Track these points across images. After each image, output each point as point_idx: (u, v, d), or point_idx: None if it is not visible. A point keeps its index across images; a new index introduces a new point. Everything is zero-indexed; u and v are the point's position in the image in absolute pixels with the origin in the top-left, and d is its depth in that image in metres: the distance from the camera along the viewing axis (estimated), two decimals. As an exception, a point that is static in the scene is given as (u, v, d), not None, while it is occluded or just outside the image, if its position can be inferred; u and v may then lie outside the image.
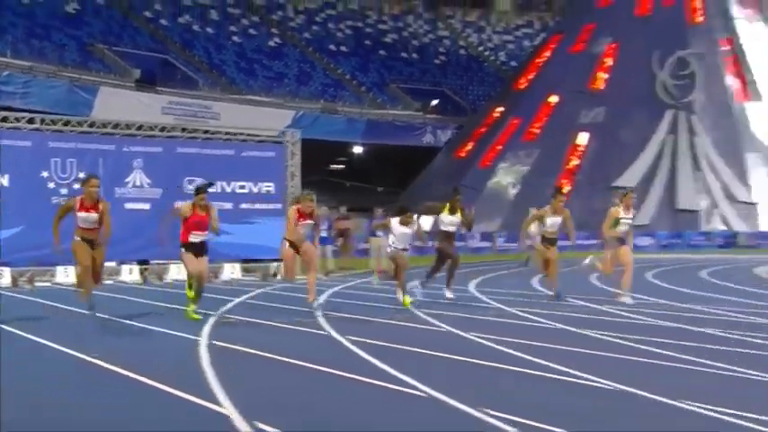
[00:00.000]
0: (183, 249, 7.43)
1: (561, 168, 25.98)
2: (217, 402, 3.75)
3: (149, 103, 22.85)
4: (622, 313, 7.86)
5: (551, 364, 4.70)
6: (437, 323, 6.84)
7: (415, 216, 9.05)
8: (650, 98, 26.41)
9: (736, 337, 6.07)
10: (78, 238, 7.15)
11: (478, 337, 5.86)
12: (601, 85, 26.78)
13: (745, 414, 3.57)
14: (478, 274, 12.81)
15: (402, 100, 29.68)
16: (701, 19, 27.04)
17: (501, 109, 27.52)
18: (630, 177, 25.78)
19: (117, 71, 24.93)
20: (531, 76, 27.79)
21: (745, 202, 25.91)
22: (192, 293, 7.45)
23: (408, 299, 8.58)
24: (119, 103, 22.33)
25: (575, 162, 26.11)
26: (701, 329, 6.53)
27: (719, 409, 3.63)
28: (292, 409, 3.73)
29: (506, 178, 26.39)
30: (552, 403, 3.89)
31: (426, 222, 11.71)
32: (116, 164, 10.77)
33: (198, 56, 28.26)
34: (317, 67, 30.04)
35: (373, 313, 7.79)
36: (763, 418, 3.52)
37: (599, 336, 6.18)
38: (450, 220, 9.32)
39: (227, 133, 11.54)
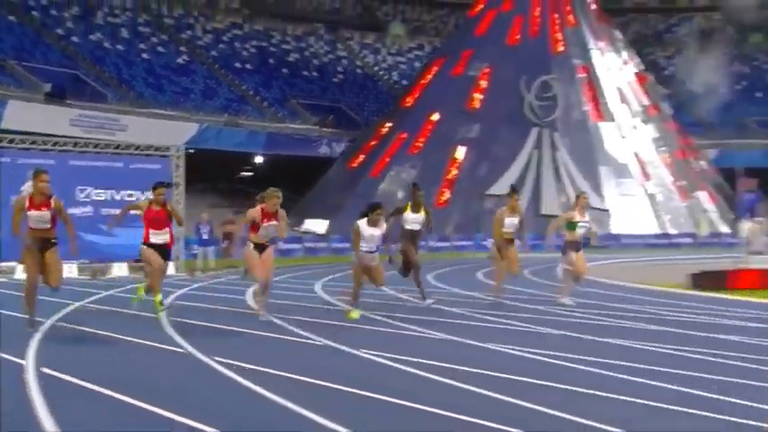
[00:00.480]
0: (143, 246, 7.36)
1: (442, 179, 28.91)
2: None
3: (57, 116, 24.36)
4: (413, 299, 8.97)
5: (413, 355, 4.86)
6: (311, 336, 6.22)
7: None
8: (519, 117, 29.79)
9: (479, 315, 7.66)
10: (28, 242, 6.53)
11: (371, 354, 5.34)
12: (476, 105, 29.95)
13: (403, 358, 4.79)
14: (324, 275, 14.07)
15: (301, 115, 32.12)
16: (561, 49, 30.65)
17: (389, 124, 30.29)
18: (501, 187, 28.94)
19: (28, 86, 26.27)
20: (416, 96, 30.71)
21: (599, 209, 29.53)
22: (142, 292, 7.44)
23: (356, 313, 7.72)
24: (27, 115, 23.75)
25: (453, 173, 29.09)
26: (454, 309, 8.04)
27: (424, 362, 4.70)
28: None
29: (393, 186, 29.16)
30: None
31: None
32: (10, 175, 12.27)
33: (108, 71, 29.84)
34: (222, 84, 32.11)
35: (228, 321, 7.21)
36: (424, 361, 4.82)
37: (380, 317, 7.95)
38: (413, 218, 8.86)
39: (116, 147, 13.63)
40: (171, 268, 13.86)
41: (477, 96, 29.99)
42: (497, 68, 30.00)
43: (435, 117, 29.68)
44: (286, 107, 32.52)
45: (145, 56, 31.52)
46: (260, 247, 7.34)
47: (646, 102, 31.89)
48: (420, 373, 4.63)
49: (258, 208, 7.26)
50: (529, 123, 29.77)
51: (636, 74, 32.45)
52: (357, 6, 41.92)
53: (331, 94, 34.64)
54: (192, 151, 16.50)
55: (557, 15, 30.89)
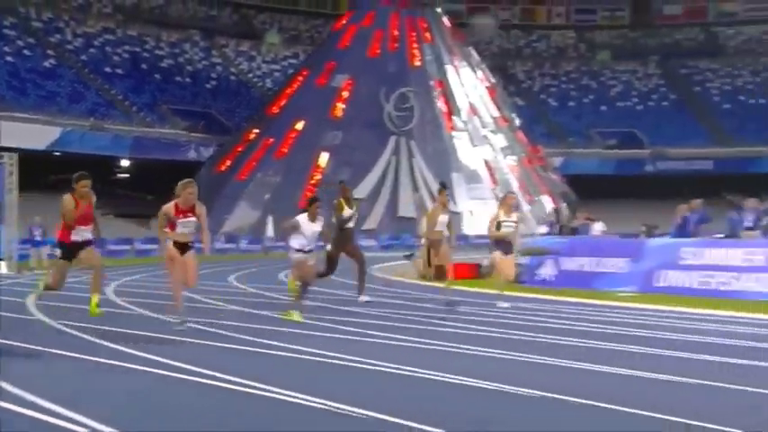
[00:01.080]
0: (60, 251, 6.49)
1: (306, 182, 30.50)
2: None
3: None
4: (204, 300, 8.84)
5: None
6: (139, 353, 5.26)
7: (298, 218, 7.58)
8: (378, 126, 31.80)
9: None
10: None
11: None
12: (339, 114, 31.73)
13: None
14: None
15: (170, 120, 32.84)
16: (418, 63, 32.95)
17: (257, 131, 31.57)
18: (362, 191, 30.88)
19: None
20: (282, 104, 32.13)
21: (452, 212, 32.01)
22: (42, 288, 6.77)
23: (298, 315, 7.26)
24: None
25: (317, 177, 30.74)
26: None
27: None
28: None
29: (259, 190, 30.46)
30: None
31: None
32: None
33: (-31, 74, 29.51)
34: (90, 88, 32.31)
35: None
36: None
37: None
38: (350, 214, 8.57)
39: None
40: (3, 267, 14.72)
41: (340, 106, 31.76)
42: (359, 80, 31.89)
43: (300, 125, 31.20)
44: (156, 112, 33.13)
45: (9, 58, 31.29)
46: (181, 247, 6.58)
47: (496, 113, 34.69)
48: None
49: (172, 203, 6.49)
50: (388, 132, 31.83)
51: (487, 87, 35.19)
52: (234, 15, 42.88)
53: (203, 99, 35.50)
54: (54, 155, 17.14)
55: (414, 32, 33.13)
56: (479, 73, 35.18)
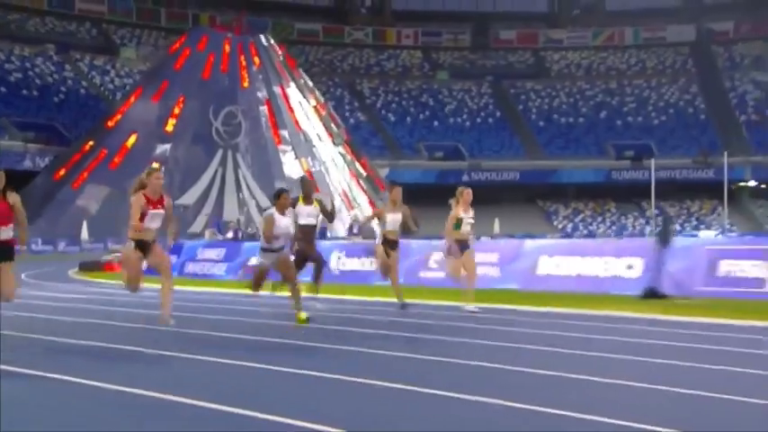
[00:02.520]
0: None
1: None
2: None
3: None
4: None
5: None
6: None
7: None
8: (208, 139, 35.42)
9: None
10: None
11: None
12: (170, 129, 35.17)
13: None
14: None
15: (9, 131, 35.47)
16: (247, 84, 36.76)
17: (92, 142, 34.63)
18: (189, 198, 34.49)
19: None
20: (118, 117, 35.31)
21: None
22: None
23: (304, 314, 6.93)
24: None
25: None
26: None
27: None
28: None
29: (91, 198, 33.56)
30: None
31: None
32: None
33: None
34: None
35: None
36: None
37: None
38: (308, 212, 8.03)
39: None
40: None
41: (172, 121, 35.19)
42: (190, 98, 35.37)
43: (133, 138, 34.45)
44: (-4, 124, 35.71)
45: None
46: (143, 245, 6.16)
47: (321, 129, 38.86)
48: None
49: (140, 195, 6.04)
50: (216, 146, 35.49)
51: (314, 106, 39.31)
52: (93, 29, 45.47)
53: (47, 112, 38.11)
54: None
55: (244, 57, 36.89)
56: (307, 93, 39.22)
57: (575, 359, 5.12)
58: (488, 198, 40.72)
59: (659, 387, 4.07)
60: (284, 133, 37.12)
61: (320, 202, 8.41)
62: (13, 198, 5.64)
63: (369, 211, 40.11)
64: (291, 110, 37.70)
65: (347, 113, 47.26)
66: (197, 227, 33.84)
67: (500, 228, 36.56)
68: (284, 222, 6.97)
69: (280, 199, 7.04)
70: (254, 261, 9.74)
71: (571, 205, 46.93)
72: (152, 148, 34.30)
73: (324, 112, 39.79)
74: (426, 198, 44.32)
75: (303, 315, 6.96)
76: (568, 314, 8.08)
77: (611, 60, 53.00)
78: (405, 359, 5.14)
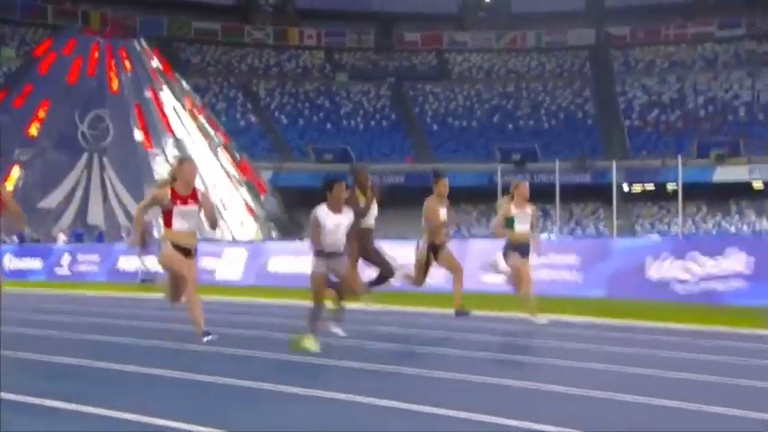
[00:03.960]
0: None
1: None
2: None
3: None
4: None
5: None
6: None
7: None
8: (73, 143, 36.53)
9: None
10: None
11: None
12: (34, 133, 36.21)
13: None
14: None
15: None
16: (116, 88, 37.91)
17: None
18: (52, 201, 35.64)
19: None
20: (-20, 121, 36.28)
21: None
22: None
23: (312, 342, 5.98)
24: None
25: (9, 188, 35.08)
26: None
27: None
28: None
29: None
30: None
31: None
32: None
33: None
34: None
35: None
36: None
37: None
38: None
39: None
40: None
41: (37, 125, 36.23)
42: (56, 102, 36.43)
43: (-6, 141, 35.43)
44: None
45: None
46: (183, 252, 5.74)
47: (196, 133, 40.14)
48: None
49: (166, 188, 5.69)
50: (81, 149, 36.63)
51: (190, 110, 40.55)
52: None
53: None
54: None
55: (113, 61, 38.01)
56: (182, 97, 40.45)
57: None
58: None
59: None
60: (154, 136, 38.34)
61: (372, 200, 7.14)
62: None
63: (242, 213, 41.64)
64: (164, 114, 38.92)
65: (239, 115, 48.60)
66: (56, 231, 35.08)
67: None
68: (335, 221, 5.91)
69: (334, 191, 5.87)
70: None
71: (461, 207, 48.76)
72: (14, 151, 35.33)
73: (200, 116, 41.06)
74: (313, 201, 46.19)
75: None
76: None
77: (513, 63, 54.94)
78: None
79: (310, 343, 5.94)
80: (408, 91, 53.02)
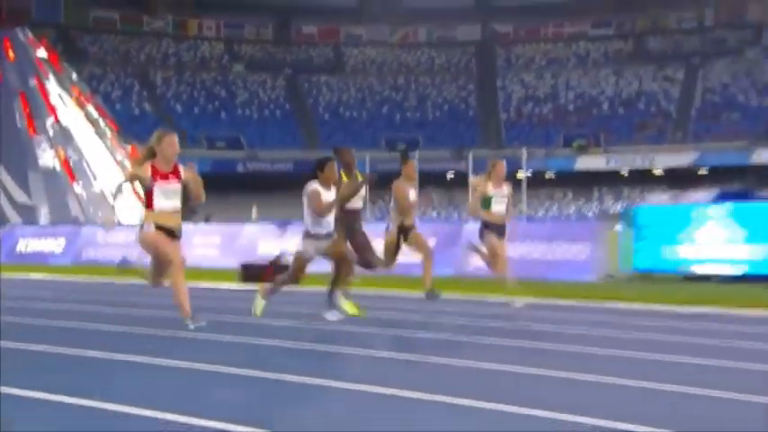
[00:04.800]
0: None
1: None
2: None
3: None
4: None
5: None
6: None
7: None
8: None
9: None
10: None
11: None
12: None
13: None
14: None
15: None
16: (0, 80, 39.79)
17: None
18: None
19: None
20: None
21: (26, 205, 39.36)
22: None
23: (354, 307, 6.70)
24: None
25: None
26: None
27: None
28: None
29: None
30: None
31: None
32: None
33: None
34: None
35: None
36: None
37: None
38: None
39: None
40: None
41: None
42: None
43: None
44: None
45: None
46: (167, 233, 5.66)
47: (83, 120, 42.27)
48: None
49: (147, 163, 5.62)
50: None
51: (77, 98, 42.62)
52: None
53: None
54: None
55: (-2, 45, 39.94)
56: (69, 85, 42.48)
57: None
58: (262, 186, 45.48)
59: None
60: (39, 124, 40.32)
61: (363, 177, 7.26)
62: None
63: (130, 198, 43.95)
64: (48, 102, 40.90)
65: (134, 104, 50.65)
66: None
67: (259, 213, 41.15)
68: (328, 198, 6.33)
69: (324, 170, 6.28)
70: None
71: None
72: None
73: (88, 104, 43.12)
74: (204, 184, 48.82)
75: (354, 308, 6.73)
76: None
77: (404, 58, 58.44)
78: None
79: (261, 307, 6.54)
80: (304, 83, 55.95)
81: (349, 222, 7.26)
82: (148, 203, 5.81)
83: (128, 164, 46.44)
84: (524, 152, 24.86)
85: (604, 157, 48.10)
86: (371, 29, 59.28)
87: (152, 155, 5.79)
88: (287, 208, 46.46)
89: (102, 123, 43.65)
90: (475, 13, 59.00)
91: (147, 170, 5.70)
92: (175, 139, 5.90)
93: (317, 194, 6.39)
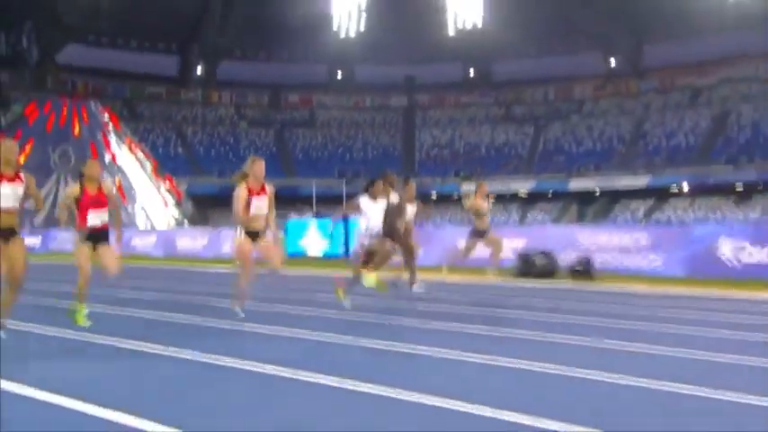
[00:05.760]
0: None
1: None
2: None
3: None
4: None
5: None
6: None
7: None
8: (47, 166, 42.52)
9: None
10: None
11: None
12: (23, 160, 42.08)
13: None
14: None
15: None
16: (77, 132, 44.24)
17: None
18: (32, 204, 41.50)
19: None
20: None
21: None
22: None
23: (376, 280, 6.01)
24: None
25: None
26: None
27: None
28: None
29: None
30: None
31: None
32: None
33: None
34: None
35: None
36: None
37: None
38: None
39: None
40: None
41: (24, 156, 42.11)
42: (37, 141, 42.47)
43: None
44: None
45: None
46: (253, 235, 5.42)
47: (133, 159, 46.65)
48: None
49: (242, 186, 5.43)
50: (52, 170, 42.69)
51: (129, 145, 46.95)
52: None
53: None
54: None
55: (76, 116, 44.28)
56: (123, 137, 46.94)
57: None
58: None
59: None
60: (102, 163, 44.65)
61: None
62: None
63: (162, 210, 48.25)
64: (109, 148, 45.33)
65: (171, 149, 55.02)
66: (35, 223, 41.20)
67: None
68: (376, 206, 6.20)
69: (374, 186, 6.30)
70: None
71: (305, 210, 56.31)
72: None
73: (137, 149, 47.55)
74: (216, 203, 53.48)
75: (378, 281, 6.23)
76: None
77: (355, 117, 62.87)
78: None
79: (346, 300, 6.14)
80: (287, 134, 60.35)
81: (406, 233, 7.21)
82: (245, 212, 5.47)
83: (161, 186, 50.81)
84: (431, 180, 28.45)
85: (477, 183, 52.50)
86: (335, 98, 63.79)
87: (245, 176, 5.59)
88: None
89: (144, 160, 48.07)
90: (403, 88, 63.62)
91: (244, 189, 5.47)
92: (263, 163, 5.68)
93: (357, 206, 6.37)
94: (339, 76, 63.50)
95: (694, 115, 51.24)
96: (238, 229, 5.51)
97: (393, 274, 7.17)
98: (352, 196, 8.22)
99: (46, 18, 53.98)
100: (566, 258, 10.81)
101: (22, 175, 4.63)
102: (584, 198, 49.41)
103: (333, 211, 54.14)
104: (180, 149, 55.41)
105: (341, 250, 15.13)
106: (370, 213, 6.12)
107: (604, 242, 11.22)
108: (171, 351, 3.92)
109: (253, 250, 5.46)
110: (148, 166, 48.26)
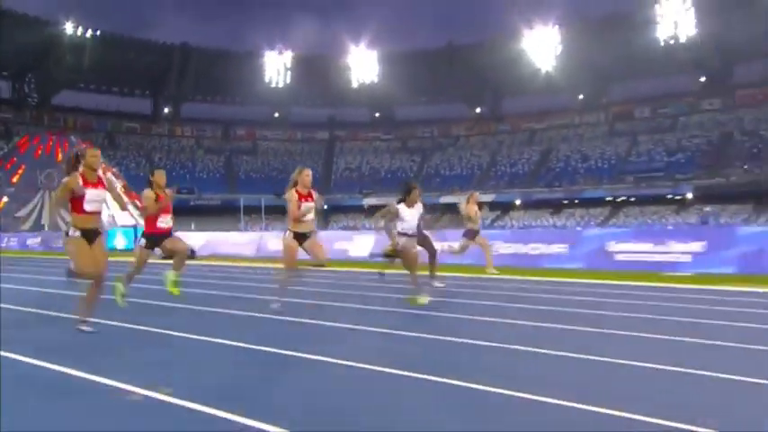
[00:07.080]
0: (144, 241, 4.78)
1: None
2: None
3: None
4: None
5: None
6: None
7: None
8: (34, 186, 47.94)
9: None
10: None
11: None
12: (15, 180, 47.53)
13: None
14: None
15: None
16: (60, 159, 49.86)
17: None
18: (23, 212, 46.96)
19: None
20: (-13, 175, 47.22)
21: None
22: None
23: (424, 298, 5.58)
24: None
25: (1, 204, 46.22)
26: None
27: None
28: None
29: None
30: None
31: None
32: None
33: None
34: None
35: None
36: None
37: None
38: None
39: None
40: None
41: (16, 178, 47.51)
42: (28, 167, 47.71)
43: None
44: None
45: None
46: (300, 236, 5.20)
47: (105, 179, 52.35)
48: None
49: (293, 191, 5.30)
50: (39, 189, 48.13)
51: (103, 167, 52.63)
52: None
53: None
54: None
55: (59, 147, 49.85)
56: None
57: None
58: (202, 213, 55.34)
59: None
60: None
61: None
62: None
63: (127, 218, 53.90)
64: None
65: (141, 171, 60.67)
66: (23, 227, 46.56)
67: (196, 228, 50.73)
68: (413, 212, 5.89)
69: (411, 194, 5.94)
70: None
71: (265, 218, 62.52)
72: (3, 192, 46.56)
73: (108, 172, 53.22)
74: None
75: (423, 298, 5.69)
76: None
77: (288, 147, 68.98)
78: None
79: (424, 299, 5.76)
80: (234, 160, 66.41)
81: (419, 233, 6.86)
82: (298, 211, 5.25)
83: (128, 200, 56.31)
84: (341, 196, 33.40)
85: (376, 198, 59.67)
86: (273, 133, 70.16)
87: (295, 183, 5.42)
88: (216, 224, 56.76)
89: (115, 180, 53.71)
90: (326, 125, 70.73)
91: (295, 194, 5.27)
92: (310, 172, 5.50)
93: (395, 211, 6.04)
94: (277, 116, 70.26)
95: (530, 151, 60.05)
96: (286, 231, 5.25)
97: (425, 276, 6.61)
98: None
99: (44, 69, 59.33)
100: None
101: (104, 180, 4.43)
102: (452, 209, 56.77)
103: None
104: (146, 173, 60.81)
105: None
106: (408, 218, 5.92)
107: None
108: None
109: (298, 250, 5.21)
110: (118, 184, 53.79)
